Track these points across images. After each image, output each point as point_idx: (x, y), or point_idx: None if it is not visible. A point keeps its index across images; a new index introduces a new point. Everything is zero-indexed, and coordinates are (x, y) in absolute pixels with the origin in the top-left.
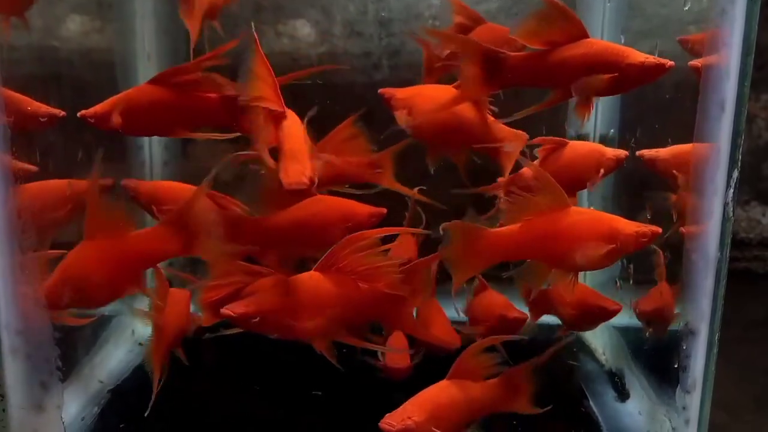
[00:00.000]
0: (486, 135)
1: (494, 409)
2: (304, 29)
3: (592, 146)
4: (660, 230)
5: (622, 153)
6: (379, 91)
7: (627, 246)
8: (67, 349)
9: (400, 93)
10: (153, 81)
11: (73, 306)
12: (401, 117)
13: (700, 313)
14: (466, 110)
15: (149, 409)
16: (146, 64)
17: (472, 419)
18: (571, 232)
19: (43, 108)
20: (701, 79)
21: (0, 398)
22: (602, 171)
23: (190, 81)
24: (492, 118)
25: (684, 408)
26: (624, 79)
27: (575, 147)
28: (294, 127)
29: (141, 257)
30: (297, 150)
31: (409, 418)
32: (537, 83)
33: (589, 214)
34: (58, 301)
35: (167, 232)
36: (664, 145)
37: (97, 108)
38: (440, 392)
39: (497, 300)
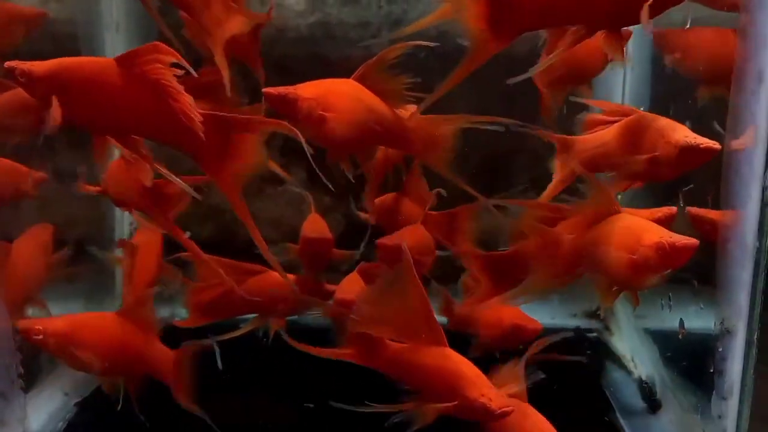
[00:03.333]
0: (401, 133)
1: None
2: None
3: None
4: (693, 242)
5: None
6: (268, 90)
7: (647, 260)
8: (29, 357)
9: (305, 91)
10: (120, 60)
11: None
12: (333, 124)
13: (736, 310)
14: (379, 106)
15: None
16: (114, 35)
17: None
18: (603, 241)
19: None
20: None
21: None
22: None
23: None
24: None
25: (720, 416)
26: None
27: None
28: (459, 356)
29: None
30: (482, 376)
31: None
32: (556, 22)
33: (625, 220)
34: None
35: None
36: (702, 124)
37: (34, 66)
38: None
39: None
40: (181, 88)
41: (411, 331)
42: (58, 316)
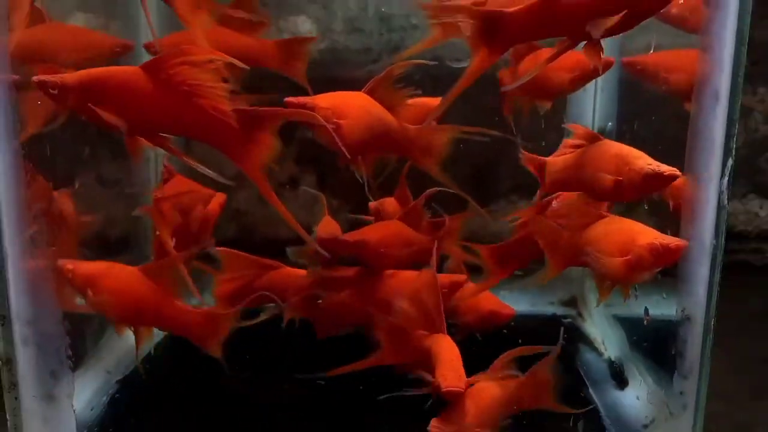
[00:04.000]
0: (402, 140)
1: (523, 406)
2: (305, 25)
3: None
4: (683, 244)
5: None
6: (290, 100)
7: (640, 259)
8: (76, 340)
9: (322, 101)
10: (146, 67)
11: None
12: (345, 131)
13: (696, 300)
14: (386, 115)
15: None
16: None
17: (506, 417)
18: (600, 241)
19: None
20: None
21: (12, 387)
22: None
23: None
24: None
25: (681, 393)
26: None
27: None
28: (449, 341)
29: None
30: (455, 360)
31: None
32: (542, 35)
33: (619, 223)
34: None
35: None
36: (662, 139)
37: (65, 78)
38: (481, 393)
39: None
40: (212, 84)
41: (424, 322)
42: (89, 262)
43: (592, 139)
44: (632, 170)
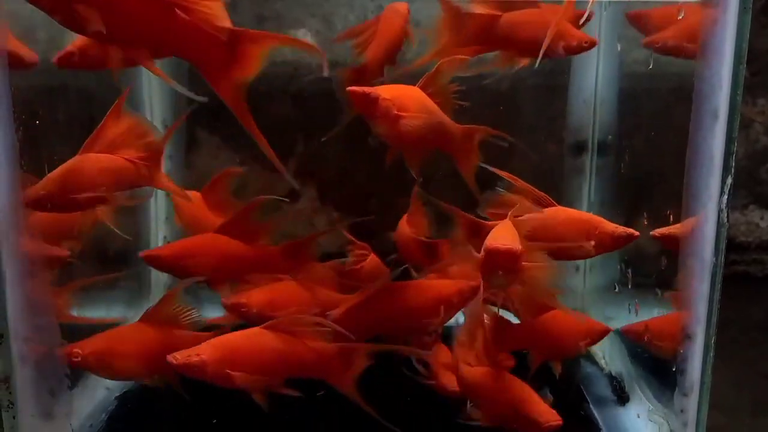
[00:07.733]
0: (448, 136)
1: (314, 374)
2: (305, 38)
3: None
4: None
5: None
6: (353, 89)
7: None
8: None
9: (385, 92)
10: None
11: None
12: (406, 123)
13: (696, 318)
14: (437, 111)
15: None
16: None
17: (287, 374)
18: None
19: None
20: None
21: (9, 406)
22: None
23: None
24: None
25: (682, 411)
26: None
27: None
28: None
29: None
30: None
31: (197, 354)
32: None
33: None
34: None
35: None
36: (661, 153)
37: None
38: (246, 338)
39: None
40: None
41: None
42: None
43: (539, 199)
44: (604, 233)
